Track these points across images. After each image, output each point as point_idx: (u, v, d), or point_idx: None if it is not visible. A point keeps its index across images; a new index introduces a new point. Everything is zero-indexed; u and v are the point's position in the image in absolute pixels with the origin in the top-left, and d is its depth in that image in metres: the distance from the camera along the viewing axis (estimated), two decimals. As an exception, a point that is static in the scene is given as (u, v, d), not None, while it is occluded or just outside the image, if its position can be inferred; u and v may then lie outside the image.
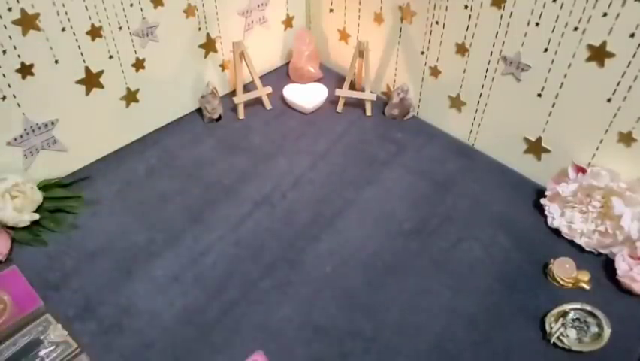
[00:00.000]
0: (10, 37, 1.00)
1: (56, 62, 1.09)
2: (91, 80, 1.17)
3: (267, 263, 1.06)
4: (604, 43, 0.98)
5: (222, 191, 1.22)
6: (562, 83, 1.08)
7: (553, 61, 1.07)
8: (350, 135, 1.38)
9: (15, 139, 1.10)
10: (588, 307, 0.95)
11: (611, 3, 0.94)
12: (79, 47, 1.11)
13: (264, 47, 1.53)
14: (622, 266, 1.01)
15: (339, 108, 1.46)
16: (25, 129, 1.11)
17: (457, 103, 1.31)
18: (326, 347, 0.92)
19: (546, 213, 1.14)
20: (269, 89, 1.45)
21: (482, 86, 1.23)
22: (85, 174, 1.24)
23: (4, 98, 1.05)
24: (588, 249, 1.08)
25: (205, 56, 1.39)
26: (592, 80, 1.02)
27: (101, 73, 1.18)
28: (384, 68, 1.45)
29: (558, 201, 1.12)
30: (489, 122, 1.27)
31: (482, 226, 1.14)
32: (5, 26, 0.99)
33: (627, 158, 1.05)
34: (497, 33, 1.13)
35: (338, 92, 1.44)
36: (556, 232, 1.11)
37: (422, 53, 1.32)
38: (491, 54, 1.17)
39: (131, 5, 1.16)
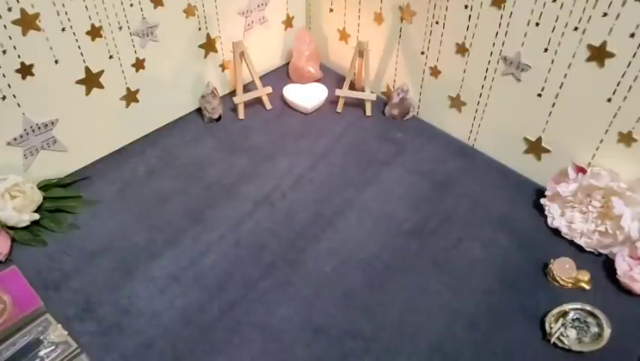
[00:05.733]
0: (10, 37, 1.00)
1: (56, 62, 1.09)
2: (91, 80, 1.17)
3: (267, 263, 1.06)
4: (604, 44, 0.98)
5: (222, 191, 1.22)
6: (562, 83, 1.08)
7: (553, 61, 1.07)
8: (350, 135, 1.38)
9: (15, 139, 1.10)
10: (588, 307, 0.95)
11: (611, 3, 0.94)
12: (79, 47, 1.11)
13: (264, 47, 1.53)
14: (622, 266, 1.01)
15: (339, 108, 1.46)
16: (25, 129, 1.11)
17: (457, 103, 1.31)
18: (326, 347, 0.92)
19: (546, 213, 1.14)
20: (269, 89, 1.45)
21: (482, 86, 1.23)
22: (85, 174, 1.24)
23: (4, 98, 1.05)
24: (588, 249, 1.08)
25: (205, 56, 1.39)
26: (592, 80, 1.02)
27: (101, 73, 1.18)
28: (384, 68, 1.45)
29: (558, 201, 1.12)
30: (489, 122, 1.27)
31: (482, 225, 1.14)
32: (5, 26, 0.99)
33: (627, 158, 1.05)
34: (497, 33, 1.13)
35: (338, 92, 1.44)
36: (557, 232, 1.11)
37: (422, 53, 1.32)
38: (491, 54, 1.17)
39: (131, 5, 1.16)
